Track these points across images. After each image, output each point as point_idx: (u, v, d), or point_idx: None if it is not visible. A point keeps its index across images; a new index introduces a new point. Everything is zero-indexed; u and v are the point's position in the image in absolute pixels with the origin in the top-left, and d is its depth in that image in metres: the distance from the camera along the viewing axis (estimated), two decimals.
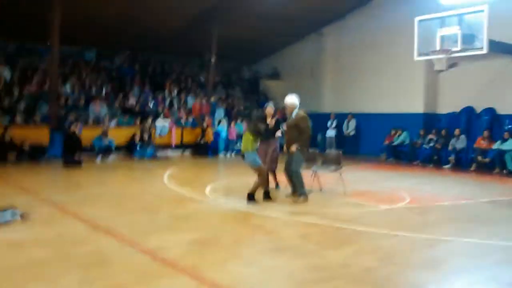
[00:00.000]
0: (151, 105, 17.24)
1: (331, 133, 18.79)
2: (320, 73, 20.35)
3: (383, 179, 11.76)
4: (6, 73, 15.47)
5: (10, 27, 15.55)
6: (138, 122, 15.99)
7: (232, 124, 17.67)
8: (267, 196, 7.99)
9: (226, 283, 4.03)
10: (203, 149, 16.72)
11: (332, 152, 10.01)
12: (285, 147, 8.21)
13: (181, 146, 16.93)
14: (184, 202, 8.07)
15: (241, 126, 17.73)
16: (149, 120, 16.02)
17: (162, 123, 16.41)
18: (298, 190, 7.99)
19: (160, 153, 15.82)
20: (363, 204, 8.04)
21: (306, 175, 8.66)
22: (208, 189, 9.17)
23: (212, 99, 18.64)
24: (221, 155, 17.15)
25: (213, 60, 18.02)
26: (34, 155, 13.29)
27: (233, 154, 17.09)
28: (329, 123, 18.88)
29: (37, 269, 4.33)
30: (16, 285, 3.95)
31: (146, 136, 15.46)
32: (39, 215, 6.50)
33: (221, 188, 9.59)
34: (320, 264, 4.66)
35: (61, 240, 5.33)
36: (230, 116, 18.58)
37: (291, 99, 8.23)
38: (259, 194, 7.89)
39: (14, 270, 4.27)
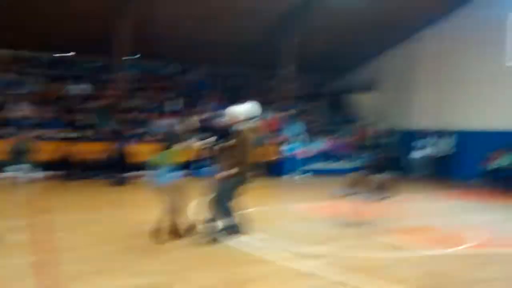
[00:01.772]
0: (218, 120, 16.44)
1: (418, 153, 16.44)
2: (411, 84, 18.11)
3: (459, 211, 9.54)
4: (82, 88, 15.80)
5: (88, 42, 15.85)
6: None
7: (307, 141, 16.29)
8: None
9: None
10: (265, 169, 15.45)
11: (379, 176, 8.18)
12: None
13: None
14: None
15: (318, 144, 16.34)
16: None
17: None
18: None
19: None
20: (399, 247, 6.22)
21: (346, 203, 7.09)
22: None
23: (285, 114, 17.34)
24: (287, 176, 15.71)
25: (288, 71, 16.86)
26: (93, 171, 13.21)
27: (302, 176, 15.59)
28: (417, 143, 16.58)
29: None
30: None
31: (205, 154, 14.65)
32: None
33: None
34: None
35: None
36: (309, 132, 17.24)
37: (234, 109, 6.47)
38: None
39: None
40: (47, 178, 12.87)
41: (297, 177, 15.63)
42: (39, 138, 13.20)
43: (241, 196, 6.48)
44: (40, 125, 13.94)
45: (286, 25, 16.22)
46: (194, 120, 6.88)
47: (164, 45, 16.29)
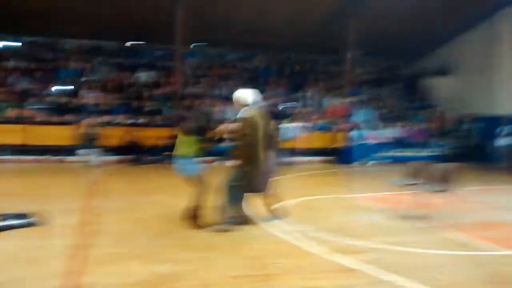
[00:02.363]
0: (282, 106, 16.10)
1: (503, 141, 15.00)
2: (493, 67, 16.51)
3: None
4: (145, 76, 16.13)
5: (154, 30, 16.12)
6: None
7: (378, 127, 15.47)
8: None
9: None
10: (334, 156, 14.87)
11: (441, 166, 7.36)
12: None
13: (309, 152, 15.36)
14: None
15: (391, 131, 15.48)
16: (272, 123, 14.85)
17: (286, 126, 15.10)
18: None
19: (284, 160, 14.51)
20: (462, 244, 5.48)
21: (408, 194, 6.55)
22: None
23: (353, 99, 16.56)
24: (356, 163, 15.03)
25: (353, 55, 16.04)
26: (159, 156, 13.45)
27: (372, 163, 14.83)
28: (501, 129, 15.14)
29: None
30: None
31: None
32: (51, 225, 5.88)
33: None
34: None
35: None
36: (381, 118, 16.36)
37: (239, 93, 5.99)
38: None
39: None
40: (116, 163, 13.32)
41: (367, 165, 14.91)
42: (109, 124, 13.66)
43: (270, 188, 6.20)
44: (110, 111, 14.42)
45: (356, 5, 15.39)
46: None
47: (228, 32, 16.14)
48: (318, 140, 15.40)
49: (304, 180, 11.39)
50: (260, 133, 5.78)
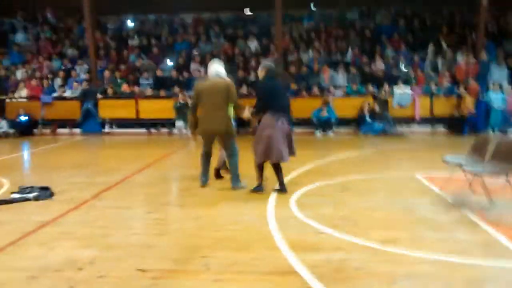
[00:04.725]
0: (402, 67, 14.24)
1: None
2: None
3: None
4: (254, 45, 15.84)
5: None
6: (370, 89, 13.49)
7: None
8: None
9: None
10: (459, 125, 12.67)
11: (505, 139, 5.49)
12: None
13: (430, 120, 13.35)
14: None
15: None
16: (385, 88, 13.26)
17: (402, 91, 13.32)
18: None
19: (400, 129, 12.90)
20: None
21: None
22: None
23: (487, 57, 13.79)
24: (489, 132, 12.58)
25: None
26: None
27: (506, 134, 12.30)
28: None
29: None
30: None
31: (377, 107, 12.90)
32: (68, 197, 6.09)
33: None
34: None
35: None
36: None
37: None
38: None
39: None
40: None
41: (500, 134, 12.41)
42: None
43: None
44: None
45: None
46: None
47: None
48: (443, 106, 13.26)
49: (394, 154, 9.84)
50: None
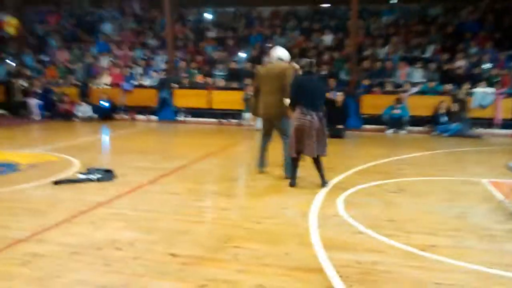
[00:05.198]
0: (485, 66, 13.34)
1: None
2: None
3: None
4: (330, 38, 15.62)
5: None
6: (448, 88, 12.77)
7: None
8: None
9: None
10: None
11: None
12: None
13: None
14: None
15: None
16: (465, 86, 12.49)
17: (483, 90, 12.46)
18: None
19: (479, 131, 12.12)
20: None
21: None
22: None
23: None
24: None
25: None
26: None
27: None
28: None
29: None
30: None
31: (455, 107, 12.19)
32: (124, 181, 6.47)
33: None
34: None
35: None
36: None
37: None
38: None
39: None
40: None
41: None
42: None
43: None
44: None
45: None
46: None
47: None
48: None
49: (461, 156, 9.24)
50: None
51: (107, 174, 6.66)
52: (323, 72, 13.92)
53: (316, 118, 5.94)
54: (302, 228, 4.56)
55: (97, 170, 6.77)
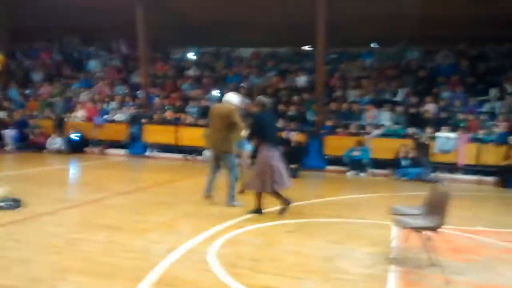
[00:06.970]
0: (454, 110, 13.19)
1: None
2: None
3: None
4: (302, 80, 15.71)
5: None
6: (411, 132, 12.62)
7: None
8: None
9: None
10: (507, 176, 11.33)
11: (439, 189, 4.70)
12: None
13: (476, 169, 12.06)
14: None
15: None
16: (428, 131, 12.33)
17: (446, 135, 12.26)
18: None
19: (440, 176, 11.85)
20: None
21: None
22: None
23: None
24: None
25: None
26: None
27: None
28: None
29: None
30: None
31: (415, 151, 12.00)
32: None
33: None
34: None
35: None
36: None
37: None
38: None
39: None
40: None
41: None
42: None
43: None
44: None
45: None
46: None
47: (407, 27, 13.92)
48: (492, 155, 11.96)
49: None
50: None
51: (14, 203, 6.70)
52: (290, 113, 13.96)
53: (277, 152, 6.66)
54: (152, 263, 4.42)
55: (7, 199, 6.80)
